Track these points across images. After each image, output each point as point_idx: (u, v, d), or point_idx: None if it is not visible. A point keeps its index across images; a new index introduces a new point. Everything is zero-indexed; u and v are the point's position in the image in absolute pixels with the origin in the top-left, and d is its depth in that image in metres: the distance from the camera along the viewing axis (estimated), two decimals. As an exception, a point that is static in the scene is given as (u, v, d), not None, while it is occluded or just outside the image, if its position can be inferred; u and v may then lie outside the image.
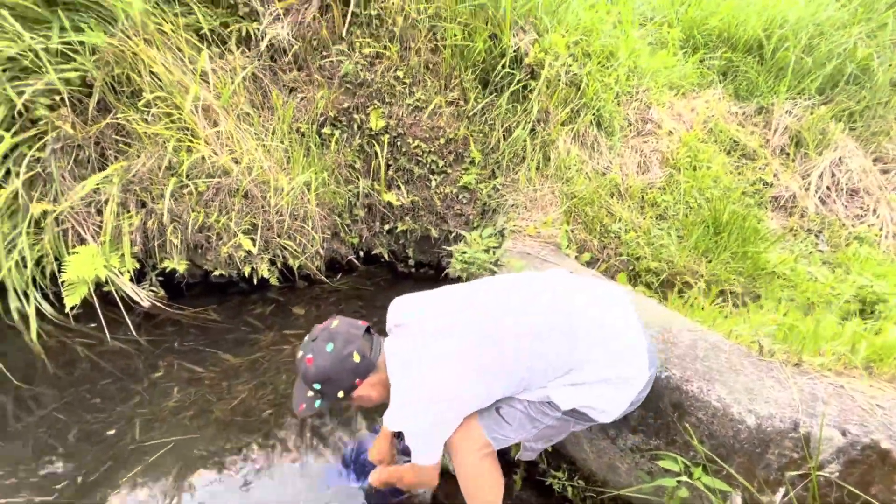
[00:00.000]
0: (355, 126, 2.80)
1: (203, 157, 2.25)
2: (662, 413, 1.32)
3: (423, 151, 2.85)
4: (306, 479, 1.65)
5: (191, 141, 2.24)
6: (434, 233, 2.99)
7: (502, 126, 2.81)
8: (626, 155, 3.21)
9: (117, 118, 2.20)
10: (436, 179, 2.91)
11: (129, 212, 2.21)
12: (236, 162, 2.33)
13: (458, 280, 2.15)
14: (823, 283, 2.74)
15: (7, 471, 1.60)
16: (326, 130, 2.76)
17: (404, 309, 1.24)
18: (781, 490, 1.21)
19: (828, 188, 3.65)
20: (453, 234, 2.89)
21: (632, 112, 3.39)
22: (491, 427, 1.20)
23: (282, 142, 2.59)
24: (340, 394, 1.18)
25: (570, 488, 1.55)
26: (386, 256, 3.06)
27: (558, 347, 1.11)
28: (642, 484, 1.36)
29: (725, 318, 1.80)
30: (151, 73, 2.20)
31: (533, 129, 2.86)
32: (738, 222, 2.84)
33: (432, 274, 3.02)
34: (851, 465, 1.15)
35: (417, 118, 2.81)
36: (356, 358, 1.15)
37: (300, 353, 1.19)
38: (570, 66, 2.78)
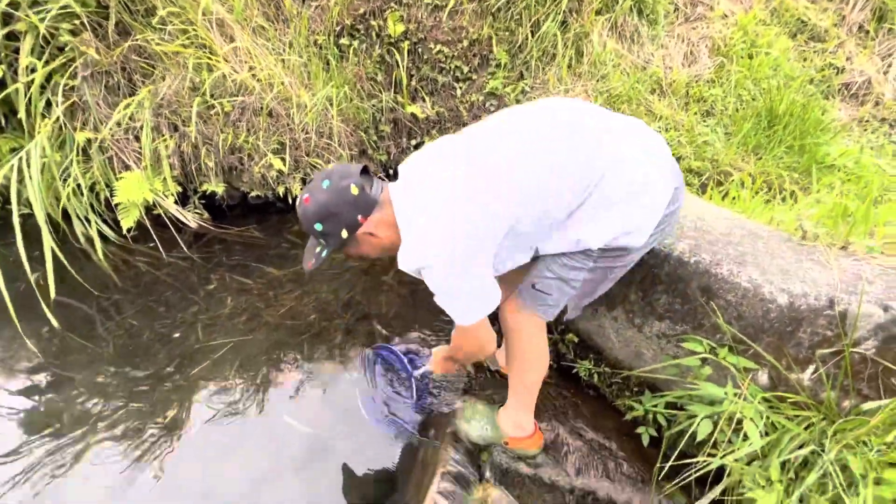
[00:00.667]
0: (373, 34, 2.66)
1: (224, 75, 2.24)
2: (690, 298, 1.31)
3: (445, 57, 2.69)
4: (348, 372, 1.82)
5: (209, 58, 2.23)
6: (462, 145, 2.92)
7: (530, 20, 2.58)
8: (670, 45, 2.90)
9: (137, 40, 2.20)
10: (461, 87, 2.78)
11: (163, 136, 2.29)
12: (257, 79, 2.31)
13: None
14: (892, 175, 2.49)
15: (103, 368, 1.85)
16: (344, 41, 2.64)
17: (414, 159, 1.18)
18: (811, 367, 1.20)
19: (913, 69, 3.18)
20: (481, 144, 2.81)
21: (680, -7, 3.00)
22: (535, 305, 1.21)
23: (300, 56, 2.51)
24: (344, 233, 1.11)
25: (596, 375, 1.62)
26: (415, 173, 3.04)
27: (581, 180, 1.04)
28: (666, 367, 1.39)
29: (770, 208, 1.69)
30: (162, -13, 2.15)
31: (564, 22, 2.61)
32: (796, 113, 2.56)
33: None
34: (891, 341, 1.11)
35: (438, 19, 2.62)
36: (354, 190, 1.08)
37: (299, 199, 1.13)
38: (607, -61, 2.44)
